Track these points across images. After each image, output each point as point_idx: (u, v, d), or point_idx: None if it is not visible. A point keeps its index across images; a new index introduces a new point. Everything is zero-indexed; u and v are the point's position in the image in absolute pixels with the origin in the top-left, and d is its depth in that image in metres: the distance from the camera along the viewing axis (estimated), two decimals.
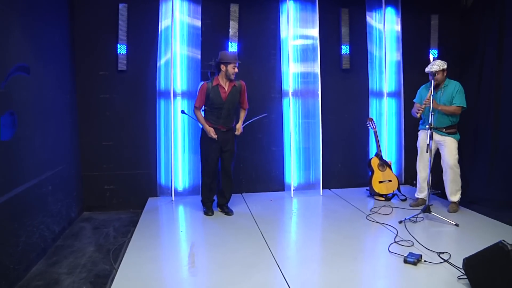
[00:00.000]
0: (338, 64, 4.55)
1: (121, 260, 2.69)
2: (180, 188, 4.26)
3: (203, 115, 3.60)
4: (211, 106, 3.52)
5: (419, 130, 3.86)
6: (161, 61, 4.13)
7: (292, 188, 4.37)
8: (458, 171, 3.60)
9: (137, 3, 4.03)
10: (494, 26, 4.20)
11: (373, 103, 4.67)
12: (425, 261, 2.56)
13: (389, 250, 2.77)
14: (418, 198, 3.90)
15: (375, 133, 4.30)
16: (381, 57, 4.60)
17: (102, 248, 3.03)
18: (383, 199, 4.12)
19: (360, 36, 4.57)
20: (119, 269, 2.55)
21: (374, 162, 4.26)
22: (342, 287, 2.32)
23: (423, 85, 3.82)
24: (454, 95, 3.54)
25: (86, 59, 3.96)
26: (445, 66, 3.52)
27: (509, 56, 4.02)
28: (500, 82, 4.13)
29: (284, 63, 4.41)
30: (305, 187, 4.48)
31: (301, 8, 4.37)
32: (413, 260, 2.52)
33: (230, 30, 4.22)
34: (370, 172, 4.28)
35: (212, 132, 3.48)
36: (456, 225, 3.26)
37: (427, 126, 3.38)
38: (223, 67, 3.46)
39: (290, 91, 4.35)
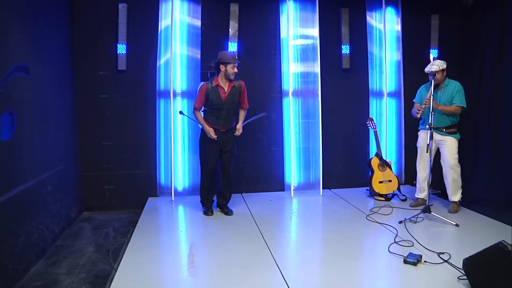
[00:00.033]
0: (338, 64, 4.54)
1: (121, 260, 2.68)
2: (180, 188, 4.26)
3: (202, 116, 3.60)
4: (211, 106, 3.52)
5: (419, 130, 3.85)
6: (161, 61, 4.13)
7: (292, 188, 4.37)
8: (458, 170, 3.60)
9: (137, 3, 4.03)
10: (495, 26, 4.19)
11: (373, 103, 4.66)
12: (425, 261, 2.55)
13: (389, 251, 2.77)
14: (418, 198, 3.89)
15: (375, 133, 4.30)
16: (381, 57, 4.60)
17: (101, 248, 3.02)
18: (383, 199, 4.11)
19: (360, 36, 4.56)
20: (118, 269, 2.55)
21: (374, 162, 4.26)
22: (341, 287, 2.31)
23: (423, 85, 3.81)
24: (454, 95, 3.53)
25: (86, 59, 3.96)
26: (445, 66, 3.51)
27: (509, 56, 4.01)
28: (500, 82, 4.12)
29: (284, 63, 4.41)
30: (305, 187, 4.47)
31: (301, 8, 4.36)
32: (413, 260, 2.52)
33: (230, 30, 4.22)
34: (370, 172, 4.28)
35: (212, 133, 3.48)
36: (456, 225, 3.25)
37: (427, 126, 3.37)
38: (222, 67, 3.45)
39: (290, 91, 4.34)
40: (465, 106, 3.53)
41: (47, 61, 3.16)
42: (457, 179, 3.60)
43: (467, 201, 3.83)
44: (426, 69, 3.54)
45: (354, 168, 4.67)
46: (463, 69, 4.66)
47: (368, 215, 3.58)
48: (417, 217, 3.38)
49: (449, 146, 3.56)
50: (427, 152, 3.38)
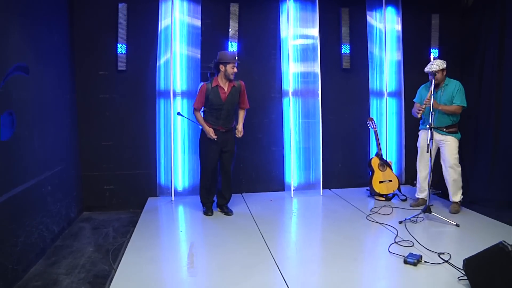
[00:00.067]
0: (338, 64, 4.53)
1: (120, 261, 2.68)
2: (180, 188, 4.26)
3: (202, 116, 3.59)
4: (211, 107, 3.51)
5: (419, 130, 3.85)
6: (161, 61, 4.13)
7: (292, 188, 4.36)
8: (458, 170, 3.59)
9: (137, 3, 4.03)
10: (495, 25, 4.18)
11: (373, 103, 4.66)
12: (425, 261, 2.55)
13: (389, 251, 2.76)
14: (418, 198, 3.88)
15: (376, 133, 4.29)
16: (382, 57, 4.59)
17: (101, 248, 3.02)
18: (384, 199, 4.11)
19: (361, 36, 4.55)
20: (118, 269, 2.54)
21: (375, 162, 4.25)
22: (341, 287, 2.30)
23: (423, 85, 3.81)
24: (454, 94, 3.52)
25: (86, 59, 3.96)
26: (445, 66, 3.50)
27: (510, 56, 4.00)
28: (500, 82, 4.12)
29: (284, 63, 4.40)
30: (305, 187, 4.47)
31: (301, 8, 4.36)
32: (413, 260, 2.51)
33: (230, 29, 4.21)
34: (370, 172, 4.27)
35: (211, 133, 3.47)
36: (457, 225, 3.25)
37: (427, 126, 3.36)
38: (222, 67, 3.44)
39: (290, 91, 4.34)
40: (465, 105, 3.52)
41: (47, 61, 3.16)
42: (457, 179, 3.59)
43: (467, 201, 3.82)
44: (426, 69, 3.53)
45: (354, 168, 4.66)
46: (464, 69, 4.65)
47: (368, 215, 3.57)
48: (417, 217, 3.37)
49: (450, 145, 3.56)
50: (427, 152, 3.37)
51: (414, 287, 2.32)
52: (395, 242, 2.90)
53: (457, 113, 3.54)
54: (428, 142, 3.30)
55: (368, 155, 4.63)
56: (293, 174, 4.40)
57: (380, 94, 4.66)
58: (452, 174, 3.57)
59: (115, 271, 2.52)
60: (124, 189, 4.15)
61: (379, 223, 3.37)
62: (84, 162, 4.03)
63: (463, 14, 4.72)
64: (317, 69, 4.35)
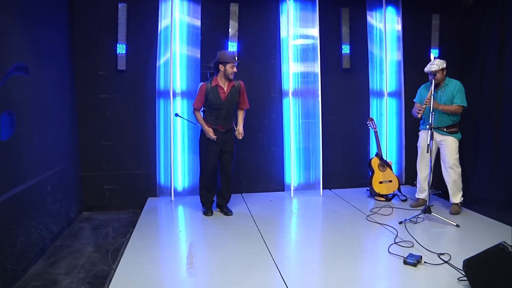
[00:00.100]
0: (339, 63, 4.53)
1: (120, 261, 2.68)
2: (179, 188, 4.25)
3: (202, 116, 3.59)
4: (210, 106, 3.51)
5: (419, 130, 3.84)
6: (161, 61, 4.12)
7: (292, 188, 4.36)
8: (458, 171, 3.58)
9: (137, 3, 4.02)
10: (495, 25, 4.17)
11: (373, 103, 4.65)
12: (425, 262, 2.54)
13: (389, 251, 2.76)
14: (418, 199, 3.88)
15: (376, 133, 4.29)
16: (382, 57, 4.58)
17: (101, 249, 3.02)
18: (384, 199, 4.10)
19: (361, 36, 4.55)
20: (117, 269, 2.54)
21: (375, 162, 4.24)
22: None
23: (423, 85, 3.80)
24: (454, 94, 3.51)
25: (86, 59, 3.96)
26: (444, 65, 3.50)
27: (510, 56, 4.00)
28: (501, 82, 4.11)
29: (284, 63, 4.40)
30: (305, 187, 4.46)
31: (301, 8, 4.35)
32: (413, 261, 2.50)
33: (230, 29, 4.21)
34: (370, 172, 4.26)
35: (211, 133, 3.47)
36: (457, 225, 3.24)
37: (427, 126, 3.35)
38: (221, 67, 3.44)
39: (290, 91, 4.33)
40: (466, 105, 3.51)
41: (46, 61, 3.16)
42: (457, 180, 3.57)
43: (467, 201, 3.81)
44: (426, 69, 3.52)
45: (354, 168, 4.65)
46: (464, 69, 4.64)
47: (368, 216, 3.57)
48: (417, 218, 3.36)
49: (449, 146, 3.55)
50: (427, 152, 3.36)
51: None
52: (395, 243, 2.90)
53: (458, 113, 3.53)
54: (428, 142, 3.29)
55: (368, 155, 4.63)
56: (293, 174, 4.39)
57: (380, 94, 4.65)
58: (452, 175, 3.56)
59: (114, 271, 2.52)
60: (124, 189, 4.15)
61: (379, 223, 3.36)
62: (84, 162, 4.03)
63: (464, 14, 4.71)
64: (317, 69, 4.35)
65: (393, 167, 4.48)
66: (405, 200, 4.09)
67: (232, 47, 4.21)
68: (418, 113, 3.62)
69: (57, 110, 3.45)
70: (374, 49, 4.59)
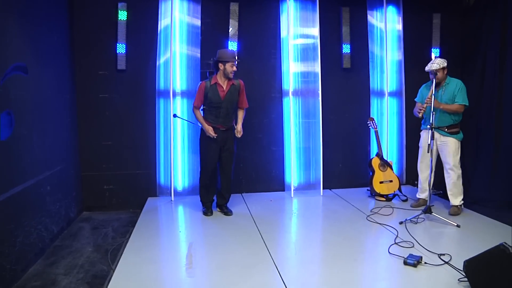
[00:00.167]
0: (339, 63, 4.51)
1: (119, 261, 2.67)
2: (179, 188, 4.25)
3: (202, 115, 3.58)
4: (210, 105, 3.50)
5: (421, 130, 3.82)
6: (161, 61, 4.12)
7: (292, 188, 4.35)
8: (459, 172, 3.55)
9: (137, 2, 4.01)
10: (497, 25, 4.15)
11: (374, 102, 4.64)
12: (425, 263, 2.53)
13: (389, 252, 2.74)
14: (419, 199, 3.86)
15: (376, 133, 4.27)
16: (382, 56, 4.57)
17: (100, 249, 3.02)
18: (384, 199, 4.09)
19: (361, 35, 4.53)
20: (116, 269, 2.54)
21: (375, 162, 4.23)
22: None
23: (424, 84, 3.78)
24: (456, 93, 3.49)
25: (85, 59, 3.95)
26: (445, 64, 3.48)
27: (511, 56, 3.97)
28: (502, 82, 4.09)
29: (284, 63, 4.38)
30: (306, 187, 4.45)
31: (302, 7, 4.34)
32: (413, 261, 2.49)
33: (230, 29, 4.20)
34: (371, 172, 4.25)
35: (211, 131, 3.46)
36: (458, 226, 3.23)
37: (428, 126, 3.34)
38: (221, 66, 3.43)
39: (291, 90, 4.32)
40: (467, 104, 3.48)
41: (46, 61, 3.15)
42: (457, 182, 3.54)
43: (468, 202, 3.79)
44: (427, 68, 3.51)
45: (354, 168, 4.64)
46: (465, 69, 4.62)
47: (368, 216, 3.56)
48: (418, 218, 3.35)
49: (450, 147, 3.52)
50: (428, 152, 3.34)
51: None
52: (395, 243, 2.88)
53: (459, 112, 3.51)
54: (429, 142, 3.27)
55: (369, 155, 4.61)
56: (293, 174, 4.38)
57: (380, 94, 4.64)
58: (452, 176, 3.54)
59: (114, 271, 2.52)
60: (124, 189, 4.14)
61: (380, 223, 3.35)
62: (84, 162, 4.03)
63: (465, 14, 4.69)
64: (318, 68, 4.34)
65: (394, 167, 4.47)
66: (406, 200, 4.08)
67: (232, 46, 4.20)
68: (419, 113, 3.60)
69: (57, 110, 3.44)
70: (374, 48, 4.57)
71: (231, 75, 3.45)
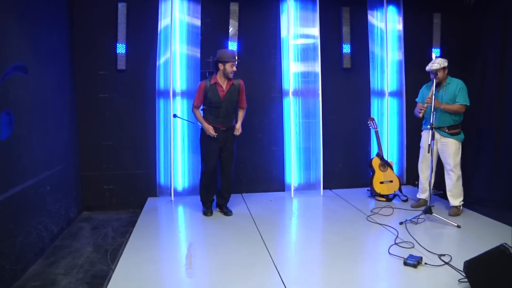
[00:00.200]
0: (339, 63, 4.51)
1: (118, 261, 2.67)
2: (179, 188, 4.25)
3: (202, 115, 3.58)
4: (210, 105, 3.50)
5: (422, 130, 3.81)
6: (161, 61, 4.11)
7: (292, 189, 4.35)
8: (459, 174, 3.53)
9: (137, 2, 4.01)
10: (497, 24, 4.14)
11: (374, 102, 4.63)
12: (425, 263, 2.52)
13: (389, 252, 2.74)
14: (419, 199, 3.85)
15: (376, 133, 4.27)
16: (383, 56, 4.56)
17: (100, 249, 3.01)
18: (384, 199, 4.08)
19: (361, 35, 4.52)
20: (115, 269, 2.53)
21: (375, 162, 4.22)
22: None
23: (425, 84, 3.77)
24: (457, 93, 3.47)
25: (85, 59, 3.95)
26: (446, 64, 3.46)
27: None
28: (503, 82, 4.08)
29: (285, 62, 4.38)
30: (306, 187, 4.45)
31: (302, 7, 4.33)
32: (413, 262, 2.49)
33: (230, 29, 4.19)
34: (371, 172, 4.24)
35: (211, 130, 3.45)
36: (458, 226, 3.22)
37: (428, 126, 3.33)
38: (221, 66, 3.43)
39: (291, 90, 4.32)
40: (468, 104, 3.47)
41: (46, 61, 3.15)
42: (456, 184, 3.53)
43: (469, 202, 3.79)
44: (427, 68, 3.50)
45: (355, 168, 4.63)
46: (465, 69, 4.61)
47: (368, 216, 3.55)
48: (418, 218, 3.34)
49: (450, 149, 3.51)
50: (428, 152, 3.33)
51: None
52: (395, 243, 2.88)
53: (460, 112, 3.49)
54: (429, 142, 3.26)
55: (369, 155, 4.61)
56: (293, 174, 4.38)
57: (381, 94, 4.63)
58: (452, 177, 3.52)
59: (113, 271, 2.51)
60: (124, 189, 4.14)
61: (380, 224, 3.34)
62: (84, 162, 4.03)
63: (465, 14, 4.68)
64: (318, 68, 4.33)
65: (394, 167, 4.46)
66: (406, 201, 4.07)
67: (232, 46, 4.19)
68: (420, 113, 3.59)
69: (57, 109, 3.44)
70: (375, 48, 4.56)
71: (231, 75, 3.45)
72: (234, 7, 4.18)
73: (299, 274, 2.52)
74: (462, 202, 3.58)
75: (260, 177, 4.47)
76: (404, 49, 4.59)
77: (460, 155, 3.54)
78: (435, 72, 3.40)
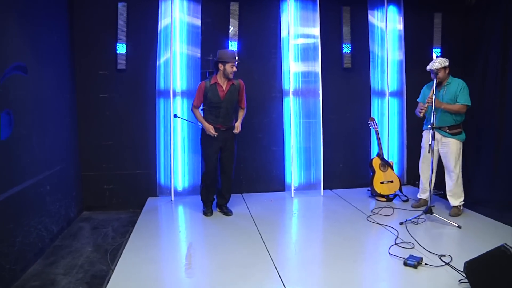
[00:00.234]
0: (340, 63, 4.50)
1: (118, 261, 2.67)
2: (179, 188, 4.24)
3: (202, 115, 3.58)
4: (210, 105, 3.50)
5: (423, 130, 3.80)
6: (161, 60, 4.11)
7: (292, 189, 4.34)
8: (460, 174, 3.52)
9: (137, 2, 4.01)
10: (498, 24, 4.13)
11: (375, 102, 4.62)
12: (425, 264, 2.51)
13: (389, 252, 2.73)
14: (420, 199, 3.84)
15: (377, 133, 4.26)
16: (383, 56, 4.55)
17: (100, 249, 3.01)
18: (385, 199, 4.07)
19: (362, 35, 4.52)
20: (115, 269, 2.53)
21: (376, 162, 4.21)
22: None
23: (426, 84, 3.76)
24: (458, 93, 3.46)
25: (85, 58, 3.95)
26: (447, 63, 3.45)
27: None
28: (504, 82, 4.07)
29: (285, 62, 4.37)
30: (306, 187, 4.44)
31: (302, 7, 4.33)
32: (413, 262, 2.48)
33: (230, 29, 4.19)
34: (371, 173, 4.23)
35: (211, 129, 3.45)
36: (459, 226, 3.21)
37: (429, 126, 3.31)
38: (221, 66, 3.43)
39: (291, 90, 4.31)
40: (470, 104, 3.45)
41: (46, 61, 3.15)
42: (458, 184, 3.52)
43: (470, 202, 3.78)
44: (428, 67, 3.49)
45: (355, 168, 4.63)
46: (466, 69, 4.60)
47: (369, 216, 3.54)
48: (418, 218, 3.34)
49: (451, 149, 3.49)
50: (429, 152, 3.32)
51: None
52: (396, 244, 2.87)
53: (462, 112, 3.48)
54: (430, 143, 3.25)
55: (370, 155, 4.60)
56: (293, 174, 4.37)
57: (381, 94, 4.62)
58: (453, 178, 3.51)
59: (113, 271, 2.51)
60: (124, 189, 4.14)
61: (380, 224, 3.34)
62: (84, 161, 4.02)
63: (466, 13, 4.66)
64: (318, 68, 4.32)
65: (395, 167, 4.45)
66: (407, 201, 4.06)
67: (233, 46, 4.19)
68: (420, 113, 3.57)
69: (57, 109, 3.44)
70: (375, 48, 4.56)
71: (231, 76, 3.45)
72: (234, 7, 4.17)
73: (299, 274, 2.51)
74: (463, 202, 3.58)
75: (260, 177, 4.46)
76: (405, 49, 4.58)
77: (460, 156, 3.53)
78: (436, 71, 3.39)
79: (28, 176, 2.78)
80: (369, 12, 4.51)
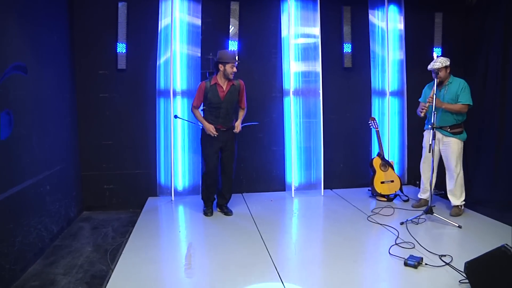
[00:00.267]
0: (340, 62, 4.49)
1: (118, 261, 2.67)
2: (180, 187, 4.24)
3: (202, 115, 3.57)
4: (210, 105, 3.50)
5: (424, 130, 3.79)
6: (161, 60, 4.11)
7: (293, 188, 4.34)
8: (461, 174, 3.52)
9: (137, 2, 4.01)
10: (499, 24, 4.12)
11: (375, 102, 4.61)
12: (426, 264, 2.51)
13: (389, 253, 2.73)
14: (420, 199, 3.84)
15: (377, 132, 4.25)
16: (384, 56, 4.54)
17: (100, 248, 3.01)
18: (385, 199, 4.07)
19: (362, 35, 4.51)
20: (115, 269, 2.53)
21: (376, 162, 4.21)
22: None
23: (427, 84, 3.75)
24: (459, 93, 3.45)
25: (86, 58, 3.95)
26: (448, 63, 3.44)
27: None
28: (505, 82, 4.06)
29: (285, 62, 4.37)
30: (306, 187, 4.44)
31: (302, 6, 4.32)
32: (414, 263, 2.47)
33: (230, 28, 4.18)
34: (372, 172, 4.23)
35: (211, 129, 3.45)
36: (459, 226, 3.20)
37: (429, 126, 3.31)
38: (221, 67, 3.42)
39: (291, 90, 4.31)
40: (471, 104, 3.44)
41: (46, 60, 3.15)
42: (459, 183, 3.51)
43: (470, 202, 3.77)
44: (429, 67, 3.48)
45: (356, 168, 4.62)
46: (467, 68, 4.59)
47: (369, 216, 3.54)
48: (419, 218, 3.33)
49: (452, 148, 3.48)
50: (429, 152, 3.31)
51: None
52: (396, 244, 2.86)
53: (463, 112, 3.47)
54: (430, 142, 3.24)
55: (370, 155, 4.59)
56: (294, 174, 4.37)
57: (382, 94, 4.61)
58: (454, 177, 3.50)
59: (112, 271, 2.51)
60: (124, 189, 4.14)
61: (380, 224, 3.33)
62: (84, 161, 4.02)
63: (467, 13, 4.65)
64: (319, 68, 4.32)
65: (395, 167, 4.44)
66: (407, 201, 4.05)
67: (233, 46, 4.18)
68: (421, 112, 3.56)
69: (57, 109, 3.44)
70: (376, 48, 4.55)
71: (231, 76, 3.44)
72: (234, 7, 4.17)
73: (299, 274, 2.51)
74: (464, 202, 3.57)
75: (260, 177, 4.46)
76: (405, 49, 4.57)
77: (461, 156, 3.52)
78: (437, 71, 3.38)
79: (28, 176, 2.78)
80: (370, 11, 4.51)
